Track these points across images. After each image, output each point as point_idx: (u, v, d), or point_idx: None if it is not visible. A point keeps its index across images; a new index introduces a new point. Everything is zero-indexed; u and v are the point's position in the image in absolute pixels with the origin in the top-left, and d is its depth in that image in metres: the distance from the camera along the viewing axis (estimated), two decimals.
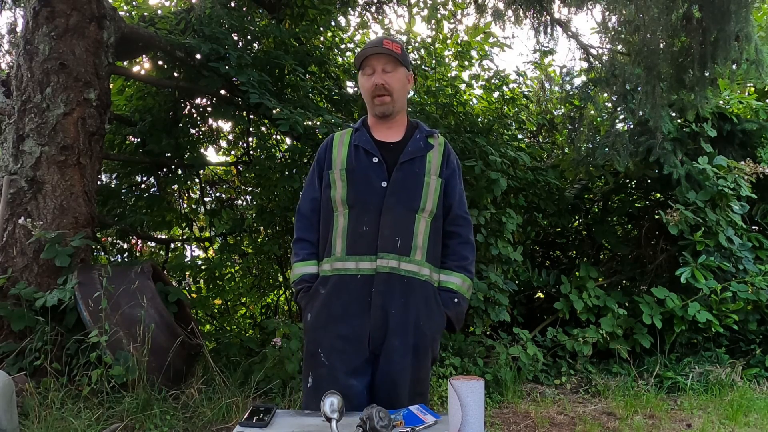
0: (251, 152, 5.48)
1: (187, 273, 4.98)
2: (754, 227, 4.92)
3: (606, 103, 5.00)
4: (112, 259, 5.02)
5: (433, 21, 5.97)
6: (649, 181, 5.09)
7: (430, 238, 1.81)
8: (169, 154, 4.89)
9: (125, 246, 5.21)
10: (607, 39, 4.25)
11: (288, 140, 5.24)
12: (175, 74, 4.69)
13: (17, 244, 3.44)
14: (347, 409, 1.46)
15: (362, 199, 1.78)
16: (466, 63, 5.83)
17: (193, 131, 5.22)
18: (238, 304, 5.62)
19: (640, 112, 4.13)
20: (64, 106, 3.56)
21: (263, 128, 5.36)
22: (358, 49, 5.89)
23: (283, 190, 4.68)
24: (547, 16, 4.56)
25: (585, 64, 4.88)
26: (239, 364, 3.65)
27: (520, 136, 5.69)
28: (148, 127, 4.67)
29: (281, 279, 5.48)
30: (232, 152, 5.76)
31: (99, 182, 4.15)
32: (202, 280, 5.10)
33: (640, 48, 3.84)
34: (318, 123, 4.12)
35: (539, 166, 5.10)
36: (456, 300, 1.84)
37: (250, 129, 5.35)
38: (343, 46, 5.79)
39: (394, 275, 1.74)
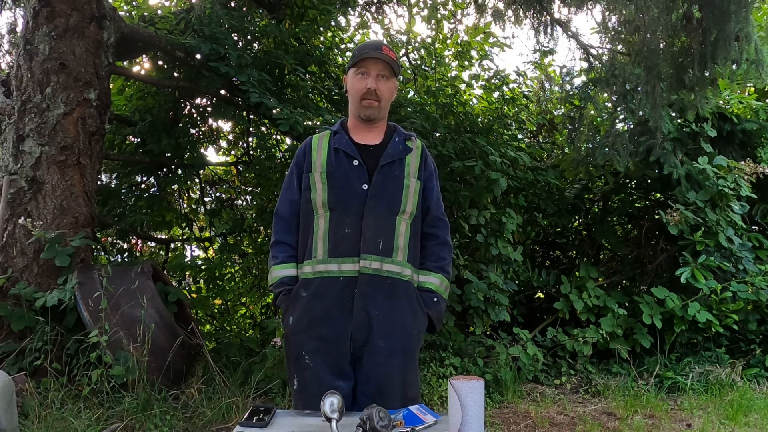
0: (251, 152, 5.48)
1: (187, 273, 4.98)
2: (754, 227, 4.92)
3: (606, 103, 5.00)
4: (112, 259, 5.02)
5: (433, 21, 5.97)
6: (649, 181, 5.09)
7: (410, 240, 1.83)
8: (169, 154, 4.89)
9: (125, 246, 5.20)
10: (607, 39, 4.25)
11: (288, 140, 5.24)
12: (175, 74, 4.69)
13: (17, 244, 3.44)
14: None
15: (343, 201, 1.79)
16: (466, 63, 5.83)
17: (193, 131, 5.22)
18: (238, 304, 5.61)
19: (640, 112, 4.12)
20: (64, 106, 3.56)
21: (263, 128, 5.36)
22: None
23: None
24: (547, 16, 4.55)
25: (585, 64, 4.88)
26: (239, 364, 3.65)
27: (520, 136, 5.68)
28: (148, 127, 4.67)
29: None
30: (232, 152, 5.76)
31: (99, 182, 4.15)
32: (202, 280, 5.10)
33: (640, 48, 3.84)
34: (318, 123, 4.12)
35: (539, 166, 5.10)
36: (435, 300, 1.86)
37: (250, 129, 5.35)
38: (343, 46, 5.78)
39: (377, 276, 1.75)
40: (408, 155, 1.88)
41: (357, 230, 1.76)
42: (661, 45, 3.84)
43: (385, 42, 1.99)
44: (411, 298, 1.81)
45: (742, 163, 4.50)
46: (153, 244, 5.60)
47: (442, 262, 1.89)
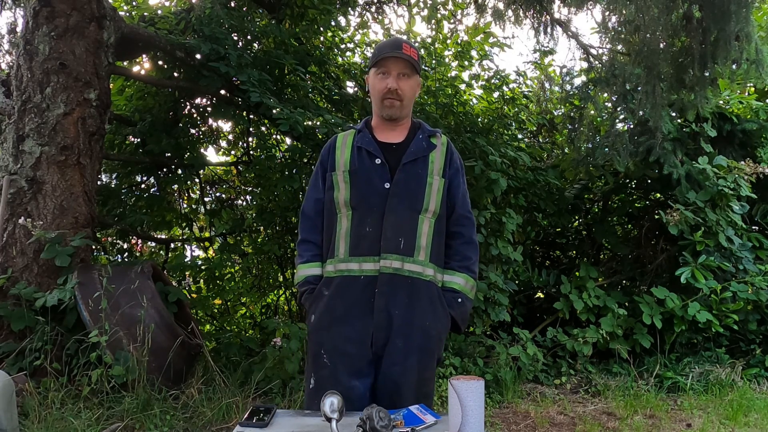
0: (251, 152, 5.48)
1: (187, 273, 4.98)
2: (754, 227, 4.91)
3: (606, 103, 5.00)
4: (112, 259, 5.02)
5: (433, 21, 5.96)
6: (649, 181, 5.09)
7: (434, 239, 1.81)
8: (169, 154, 4.89)
9: (125, 246, 5.20)
10: (607, 39, 4.25)
11: (288, 140, 5.24)
12: (175, 74, 4.69)
13: (17, 244, 3.44)
14: (349, 410, 1.46)
15: (365, 200, 1.79)
16: (466, 63, 5.83)
17: (193, 131, 5.22)
18: (238, 304, 5.61)
19: (640, 112, 4.12)
20: (64, 106, 3.56)
21: (263, 128, 5.36)
22: (358, 49, 5.91)
23: (283, 190, 4.68)
24: (547, 16, 4.56)
25: (585, 64, 4.88)
26: (239, 364, 3.65)
27: (520, 136, 5.68)
28: (148, 127, 4.67)
29: (281, 279, 5.48)
30: (232, 152, 5.76)
31: (99, 182, 4.15)
32: (202, 280, 5.10)
33: (640, 48, 3.84)
34: (318, 123, 4.12)
35: (539, 166, 5.10)
36: (460, 300, 1.84)
37: (250, 129, 5.35)
38: (343, 46, 5.79)
39: (398, 276, 1.74)
40: (432, 152, 1.86)
41: (378, 229, 1.76)
42: (661, 45, 3.85)
43: (405, 39, 1.97)
44: (432, 298, 1.79)
45: (742, 163, 4.50)
46: (153, 244, 5.60)
47: (468, 261, 1.87)
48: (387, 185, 1.79)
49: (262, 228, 5.26)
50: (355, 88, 5.50)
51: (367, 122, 1.94)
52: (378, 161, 1.82)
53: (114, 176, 5.19)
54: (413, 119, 1.96)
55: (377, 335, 1.73)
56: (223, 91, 4.52)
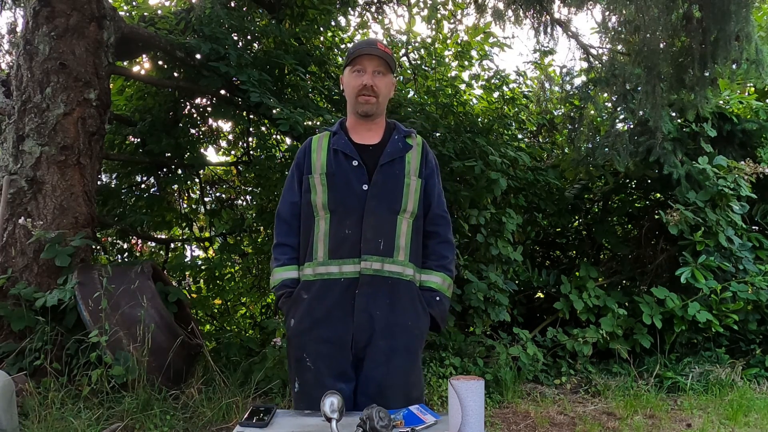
0: (251, 152, 5.48)
1: (187, 273, 4.98)
2: (754, 227, 4.91)
3: (606, 103, 5.00)
4: (112, 259, 5.02)
5: (433, 21, 5.97)
6: (649, 181, 5.09)
7: (412, 239, 1.82)
8: (169, 154, 4.89)
9: (125, 246, 5.21)
10: (607, 39, 4.25)
11: (288, 140, 5.24)
12: (175, 74, 4.69)
13: (17, 244, 3.44)
14: None
15: (343, 203, 1.79)
16: (466, 63, 5.84)
17: (193, 131, 5.22)
18: (238, 304, 5.62)
19: (640, 112, 4.12)
20: (64, 106, 3.56)
21: (263, 128, 5.36)
22: None
23: None
24: (547, 16, 4.56)
25: (585, 64, 4.88)
26: (239, 364, 3.65)
27: (520, 136, 5.69)
28: (148, 127, 4.67)
29: None
30: (232, 152, 5.76)
31: (99, 182, 4.15)
32: (202, 280, 5.10)
33: (640, 48, 3.84)
34: (318, 123, 4.12)
35: (539, 166, 5.10)
36: (438, 299, 1.85)
37: (250, 129, 5.35)
38: (343, 46, 5.79)
39: (378, 277, 1.75)
40: (408, 153, 1.86)
41: (357, 231, 1.76)
42: (661, 45, 3.84)
43: (380, 39, 1.97)
44: (413, 297, 1.80)
45: (742, 163, 4.50)
46: (153, 244, 5.60)
47: (444, 260, 1.88)
48: (365, 187, 1.78)
49: (262, 228, 5.26)
50: None
51: (342, 124, 1.93)
52: (355, 163, 1.81)
53: (114, 176, 5.19)
54: (388, 120, 1.96)
55: (357, 337, 1.73)
56: (223, 91, 4.52)
